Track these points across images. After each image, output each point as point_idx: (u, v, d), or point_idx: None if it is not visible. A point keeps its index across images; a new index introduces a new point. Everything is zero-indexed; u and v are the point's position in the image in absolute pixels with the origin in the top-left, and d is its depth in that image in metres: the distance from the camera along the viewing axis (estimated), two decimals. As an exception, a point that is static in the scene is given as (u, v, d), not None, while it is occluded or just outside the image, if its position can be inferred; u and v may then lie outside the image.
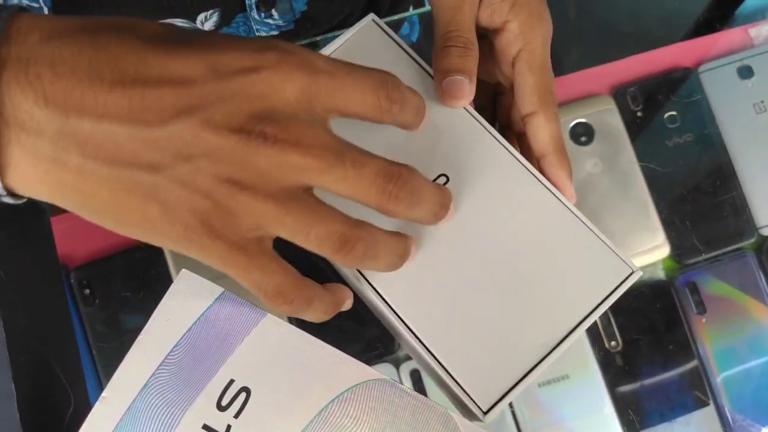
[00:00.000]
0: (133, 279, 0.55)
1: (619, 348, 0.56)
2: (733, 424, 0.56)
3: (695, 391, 0.56)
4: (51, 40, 0.29)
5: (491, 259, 0.39)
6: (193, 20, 0.56)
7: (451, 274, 0.39)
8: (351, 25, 0.43)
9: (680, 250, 0.58)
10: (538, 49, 0.43)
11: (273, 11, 0.58)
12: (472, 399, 0.38)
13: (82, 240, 0.55)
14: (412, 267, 0.39)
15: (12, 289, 0.43)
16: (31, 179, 0.30)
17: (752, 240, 0.58)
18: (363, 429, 0.34)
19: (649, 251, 0.57)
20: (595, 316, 0.39)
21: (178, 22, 0.55)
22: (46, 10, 0.50)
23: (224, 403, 0.34)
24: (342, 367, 0.35)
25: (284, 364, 0.35)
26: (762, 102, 0.60)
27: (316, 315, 0.35)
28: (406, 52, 0.43)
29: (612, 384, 0.56)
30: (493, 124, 0.42)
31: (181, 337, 0.35)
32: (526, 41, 0.43)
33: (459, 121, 0.42)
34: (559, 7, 0.61)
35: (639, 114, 0.60)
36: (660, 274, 0.58)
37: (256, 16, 0.58)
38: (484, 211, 0.40)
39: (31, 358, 0.42)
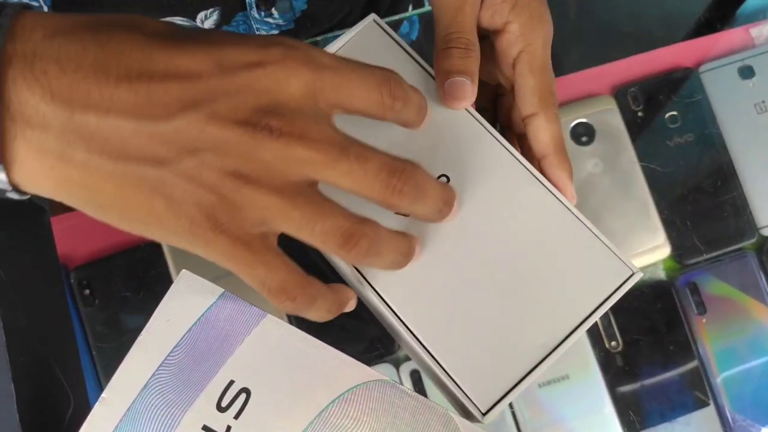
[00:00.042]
0: (133, 279, 0.55)
1: (620, 348, 0.56)
2: (734, 424, 0.56)
3: (695, 392, 0.56)
4: (55, 37, 0.29)
5: (491, 260, 0.39)
6: (193, 19, 0.56)
7: (451, 274, 0.39)
8: (350, 24, 0.43)
9: (681, 250, 0.58)
10: (538, 50, 0.43)
11: (273, 10, 0.58)
12: (471, 400, 0.38)
13: (82, 240, 0.55)
14: (412, 268, 0.39)
15: (12, 289, 0.43)
16: (37, 175, 0.30)
17: (753, 240, 0.58)
18: (363, 430, 0.34)
19: (650, 251, 0.57)
20: (595, 318, 0.39)
21: (178, 20, 0.55)
22: (45, 9, 0.50)
23: (224, 403, 0.34)
24: (342, 368, 0.35)
25: (284, 364, 0.35)
26: (763, 102, 0.60)
27: (319, 314, 0.35)
28: (407, 53, 0.43)
29: (612, 384, 0.56)
30: (494, 125, 0.42)
31: (182, 338, 0.35)
32: (526, 42, 0.43)
33: (460, 122, 0.42)
34: (559, 8, 0.60)
35: (640, 114, 0.60)
36: (660, 274, 0.58)
37: (256, 15, 0.58)
38: (485, 212, 0.40)
39: (31, 358, 0.42)
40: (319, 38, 0.60)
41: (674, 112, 0.60)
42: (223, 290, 0.36)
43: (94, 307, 0.54)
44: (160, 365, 0.34)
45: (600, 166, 0.58)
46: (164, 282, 0.54)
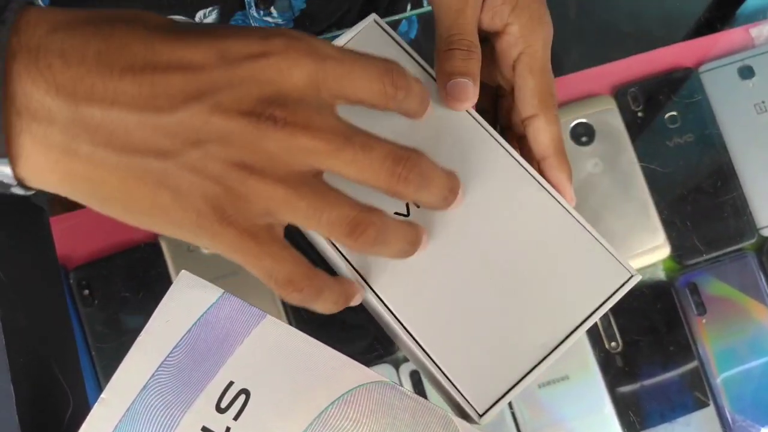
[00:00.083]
0: (133, 279, 0.54)
1: (620, 349, 0.56)
2: (733, 424, 0.56)
3: (695, 392, 0.56)
4: (58, 31, 0.29)
5: (490, 261, 0.39)
6: (192, 17, 0.56)
7: (449, 276, 0.39)
8: (349, 22, 0.43)
9: (681, 250, 0.58)
10: (538, 52, 0.43)
11: (272, 9, 0.58)
12: (467, 401, 0.38)
13: (81, 240, 0.55)
14: (410, 268, 0.39)
15: (11, 289, 0.42)
16: (42, 169, 0.30)
17: (753, 240, 0.58)
18: (363, 431, 0.34)
19: (650, 252, 0.57)
20: (593, 320, 0.39)
21: (177, 18, 0.55)
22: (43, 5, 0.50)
23: (224, 405, 0.34)
24: (342, 369, 0.35)
25: (284, 365, 0.35)
26: (763, 102, 0.60)
27: (326, 306, 0.35)
28: (408, 53, 0.43)
29: (612, 384, 0.56)
30: (494, 127, 0.42)
31: (181, 339, 0.35)
32: (526, 44, 0.43)
33: (461, 123, 0.42)
34: (559, 8, 0.60)
35: (640, 114, 0.60)
36: (660, 274, 0.58)
37: (255, 14, 0.58)
38: (484, 213, 0.40)
39: (31, 358, 0.42)
40: (318, 37, 0.60)
41: (674, 113, 0.60)
42: (222, 291, 0.36)
43: (93, 307, 0.54)
44: (160, 366, 0.34)
45: (600, 167, 0.58)
46: (164, 282, 0.54)
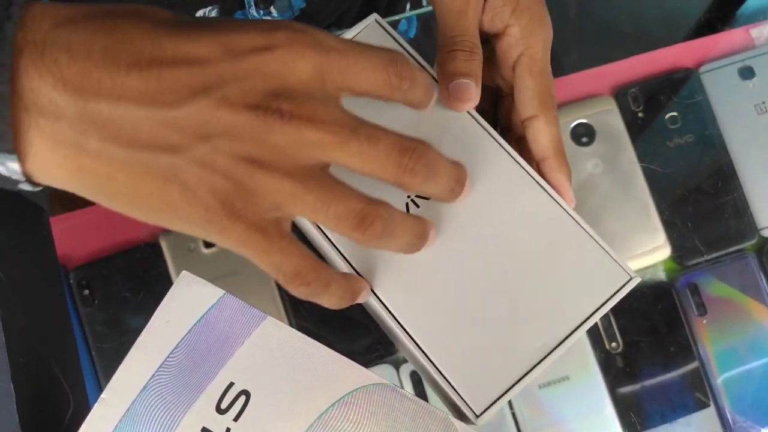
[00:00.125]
0: (133, 279, 0.54)
1: (620, 349, 0.56)
2: (734, 425, 0.56)
3: (696, 393, 0.56)
4: (64, 26, 0.29)
5: (489, 263, 0.39)
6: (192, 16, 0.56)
7: (448, 276, 0.39)
8: (349, 21, 0.43)
9: (681, 251, 0.58)
10: (538, 53, 0.43)
11: (272, 8, 0.58)
12: (465, 401, 0.38)
13: (81, 240, 0.55)
14: (409, 269, 0.39)
15: (11, 289, 0.42)
16: (50, 165, 0.30)
17: (753, 241, 0.58)
18: (363, 433, 0.34)
19: (650, 252, 0.57)
20: (592, 322, 0.39)
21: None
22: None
23: (224, 406, 0.34)
24: (343, 371, 0.35)
25: (284, 367, 0.35)
26: (763, 103, 0.60)
27: (333, 300, 0.35)
28: (408, 53, 0.43)
29: (612, 385, 0.56)
30: (494, 128, 0.42)
31: (181, 339, 0.35)
32: (526, 46, 0.43)
33: (462, 124, 0.42)
34: (560, 8, 0.60)
35: (640, 114, 0.60)
36: (661, 275, 0.58)
37: (255, 13, 0.58)
38: (484, 213, 0.40)
39: (31, 358, 0.42)
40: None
41: (674, 113, 0.60)
42: (223, 291, 0.36)
43: (93, 307, 0.54)
44: (160, 366, 0.34)
45: (600, 167, 0.58)
46: (164, 282, 0.54)
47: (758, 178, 0.59)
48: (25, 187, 0.31)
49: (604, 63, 0.61)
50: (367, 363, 0.54)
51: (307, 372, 0.35)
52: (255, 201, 0.31)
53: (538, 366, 0.38)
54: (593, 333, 0.56)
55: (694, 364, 0.56)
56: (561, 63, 0.61)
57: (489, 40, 0.44)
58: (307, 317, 0.55)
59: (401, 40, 0.43)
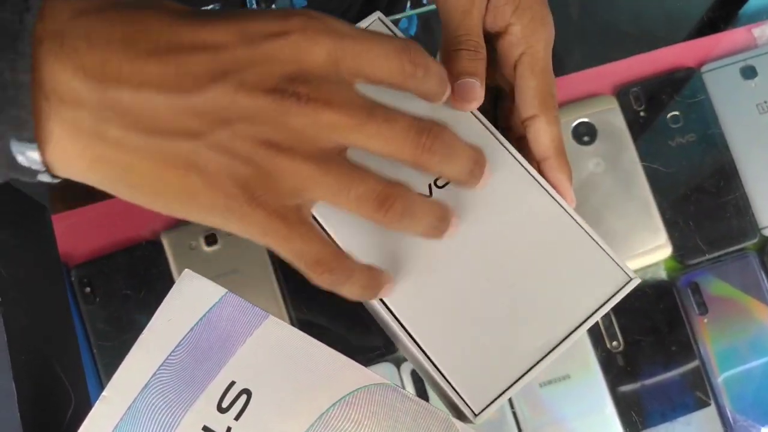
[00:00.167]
0: (134, 277, 0.54)
1: (621, 348, 0.56)
2: (734, 424, 0.56)
3: (696, 392, 0.56)
4: (82, 17, 0.30)
5: (490, 262, 0.39)
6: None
7: (448, 275, 0.39)
8: (349, 20, 0.43)
9: (682, 250, 0.58)
10: (540, 52, 0.43)
11: (273, 7, 0.58)
12: (464, 400, 0.38)
13: (83, 238, 0.55)
14: (409, 268, 0.39)
15: (13, 287, 0.43)
16: (70, 155, 0.30)
17: (755, 240, 0.58)
18: (364, 433, 0.34)
19: (652, 251, 0.57)
20: (591, 323, 0.39)
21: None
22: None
23: (225, 404, 0.34)
24: (344, 371, 0.35)
25: (286, 366, 0.35)
26: (765, 102, 0.60)
27: (355, 289, 0.35)
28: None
29: (613, 384, 0.56)
30: (495, 127, 0.42)
31: (183, 338, 0.35)
32: (528, 45, 0.43)
33: (465, 123, 0.42)
34: (561, 8, 0.60)
35: (642, 114, 0.60)
36: (662, 274, 0.58)
37: (258, 13, 0.58)
38: (485, 213, 0.40)
39: (32, 356, 0.42)
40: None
41: (676, 112, 0.60)
42: (225, 290, 0.36)
43: (94, 305, 0.54)
44: (162, 365, 0.34)
45: (602, 166, 0.58)
46: (165, 280, 0.54)
47: (760, 177, 0.59)
48: (44, 178, 0.31)
49: (606, 62, 0.61)
50: (368, 361, 0.54)
51: (309, 371, 0.35)
52: (275, 186, 0.31)
53: (537, 366, 0.38)
54: (594, 332, 0.56)
55: (695, 363, 0.56)
56: (563, 62, 0.61)
57: (490, 40, 0.44)
58: (308, 315, 0.55)
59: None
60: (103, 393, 0.34)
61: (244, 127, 0.30)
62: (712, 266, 0.58)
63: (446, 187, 0.40)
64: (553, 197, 0.41)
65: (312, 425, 0.34)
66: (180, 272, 0.36)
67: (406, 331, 0.38)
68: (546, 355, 0.38)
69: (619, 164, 0.58)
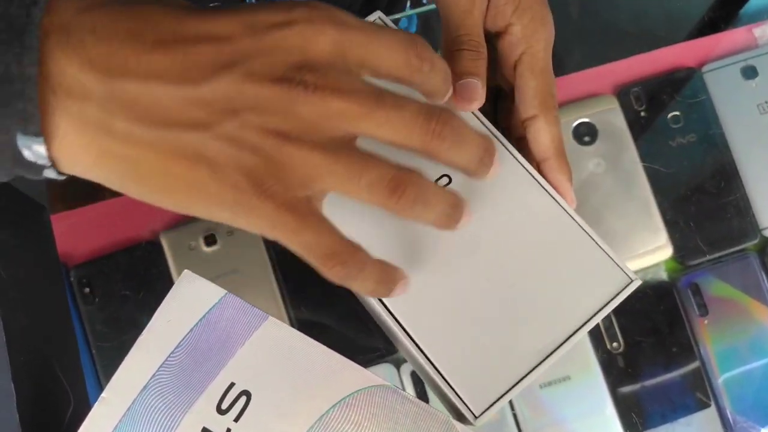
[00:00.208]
0: (134, 278, 0.54)
1: (621, 349, 0.56)
2: (735, 425, 0.56)
3: (697, 393, 0.56)
4: (88, 11, 0.30)
5: (490, 263, 0.39)
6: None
7: (448, 276, 0.39)
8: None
9: (683, 251, 0.58)
10: (540, 52, 0.43)
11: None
12: (464, 402, 0.37)
13: (82, 238, 0.55)
14: (410, 270, 0.39)
15: (12, 287, 0.43)
16: (77, 149, 0.30)
17: (755, 241, 0.58)
18: (363, 434, 0.34)
19: (652, 252, 0.57)
20: (592, 325, 0.39)
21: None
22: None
23: (224, 406, 0.34)
24: (344, 372, 0.35)
25: (285, 367, 0.35)
26: (766, 102, 0.60)
27: (369, 284, 0.34)
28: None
29: (614, 385, 0.56)
30: (495, 128, 0.42)
31: (183, 339, 0.35)
32: (528, 45, 0.43)
33: None
34: (562, 7, 0.60)
35: (642, 114, 0.60)
36: (662, 275, 0.58)
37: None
38: (486, 214, 0.40)
39: (31, 357, 0.42)
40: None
41: (677, 112, 0.60)
42: (225, 291, 0.35)
43: (94, 305, 0.54)
44: (161, 366, 0.34)
45: (602, 166, 0.58)
46: (165, 281, 0.54)
47: (761, 177, 0.59)
48: (50, 174, 0.31)
49: (607, 62, 0.61)
50: (367, 362, 0.54)
51: (308, 373, 0.35)
52: (285, 176, 0.31)
53: (538, 368, 0.38)
54: (595, 333, 0.56)
55: (695, 364, 0.56)
56: (563, 62, 0.61)
57: (490, 40, 0.44)
58: (308, 315, 0.55)
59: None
60: (103, 394, 0.34)
61: (252, 116, 0.30)
62: (713, 267, 0.58)
63: (448, 187, 0.40)
64: (553, 198, 0.41)
65: (312, 427, 0.34)
66: (179, 272, 0.36)
67: (406, 332, 0.38)
68: (547, 358, 0.38)
69: (619, 164, 0.58)
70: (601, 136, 0.58)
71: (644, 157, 0.58)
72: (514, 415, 0.54)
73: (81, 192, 0.58)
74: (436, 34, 0.64)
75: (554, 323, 0.39)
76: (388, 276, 0.35)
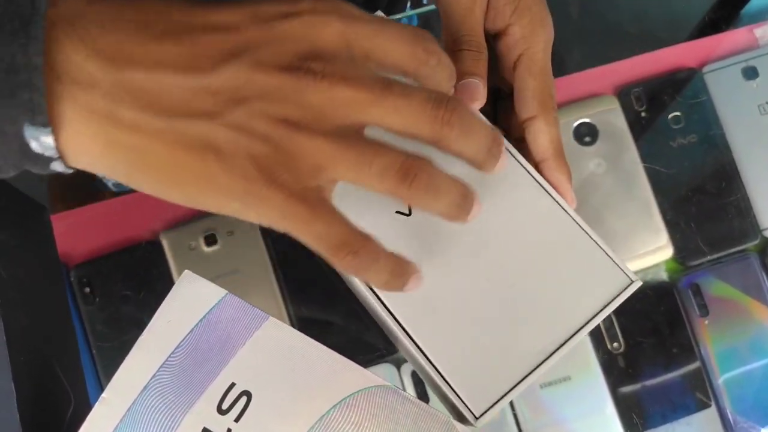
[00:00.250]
0: (134, 277, 0.54)
1: (622, 349, 0.56)
2: (735, 425, 0.55)
3: (697, 393, 0.56)
4: (94, 3, 0.30)
5: (490, 264, 0.39)
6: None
7: (449, 277, 0.39)
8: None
9: (683, 251, 0.58)
10: (539, 53, 0.43)
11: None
12: (464, 403, 0.37)
13: (82, 238, 0.55)
14: None
15: (12, 287, 0.42)
16: (84, 139, 0.30)
17: (756, 242, 0.58)
18: (364, 435, 0.34)
19: (652, 252, 0.57)
20: (592, 326, 0.39)
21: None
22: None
23: (225, 406, 0.34)
24: (344, 373, 0.35)
25: (286, 368, 0.35)
26: (767, 103, 0.60)
27: (382, 275, 0.34)
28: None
29: (614, 385, 0.56)
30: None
31: (183, 339, 0.35)
32: (527, 46, 0.43)
33: None
34: (562, 7, 0.60)
35: (643, 114, 0.60)
36: (663, 275, 0.58)
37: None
38: (486, 215, 0.40)
39: (32, 357, 0.42)
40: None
41: (677, 113, 0.60)
42: (225, 291, 0.35)
43: (94, 305, 0.54)
44: (161, 366, 0.34)
45: (603, 167, 0.58)
46: (165, 281, 0.54)
47: (761, 178, 0.59)
48: (57, 167, 0.31)
49: (607, 62, 0.61)
50: (368, 362, 0.54)
51: (309, 373, 0.35)
52: (295, 165, 0.31)
53: (538, 369, 0.38)
54: (595, 333, 0.56)
55: (696, 365, 0.56)
56: (564, 62, 0.61)
57: (489, 40, 0.44)
58: (308, 315, 0.55)
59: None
60: (103, 394, 0.34)
61: (261, 105, 0.30)
62: (713, 267, 0.58)
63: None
64: (554, 198, 0.41)
65: (312, 427, 0.34)
66: (180, 272, 0.36)
67: (406, 332, 0.38)
68: (547, 358, 0.38)
69: (620, 165, 0.58)
70: (602, 136, 0.58)
71: (645, 157, 0.58)
72: (515, 415, 0.54)
73: (81, 192, 0.58)
74: (437, 34, 0.64)
75: (555, 324, 0.39)
76: (402, 269, 0.35)
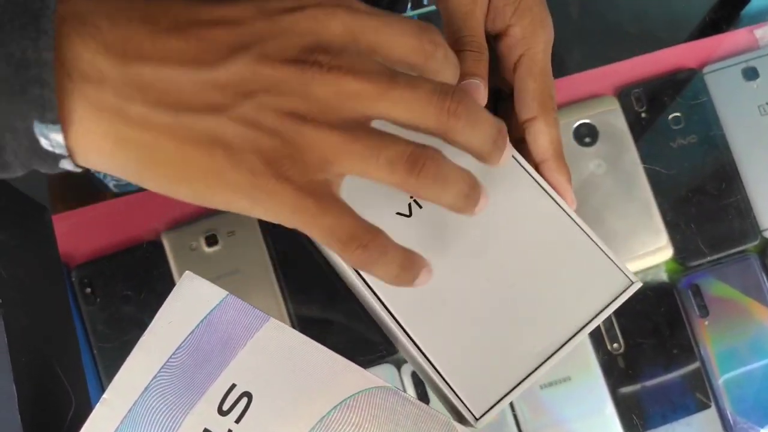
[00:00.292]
0: (135, 278, 0.54)
1: (622, 350, 0.56)
2: (735, 426, 0.56)
3: (697, 394, 0.56)
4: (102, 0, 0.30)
5: (490, 264, 0.39)
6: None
7: (449, 278, 0.39)
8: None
9: (683, 252, 0.58)
10: (539, 54, 0.43)
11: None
12: (465, 404, 0.38)
13: (83, 238, 0.55)
14: None
15: (13, 287, 0.43)
16: (94, 135, 0.30)
17: (756, 242, 0.58)
18: (364, 436, 0.34)
19: (652, 253, 0.57)
20: (592, 327, 0.39)
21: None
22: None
23: (225, 407, 0.34)
24: (345, 374, 0.35)
25: (286, 369, 0.35)
26: (767, 103, 0.60)
27: (391, 269, 0.34)
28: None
29: (614, 386, 0.56)
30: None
31: (184, 340, 0.35)
32: (527, 46, 0.43)
33: None
34: (562, 8, 0.60)
35: (643, 115, 0.60)
36: (663, 276, 0.58)
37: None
38: (487, 215, 0.40)
39: (33, 357, 0.42)
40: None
41: (678, 114, 0.60)
42: (226, 292, 0.35)
43: (95, 306, 0.54)
44: (162, 367, 0.34)
45: (603, 167, 0.58)
46: (166, 281, 0.54)
47: (761, 179, 0.59)
48: (66, 165, 0.31)
49: (608, 63, 0.61)
50: (368, 362, 0.54)
51: (309, 374, 0.35)
52: (302, 158, 0.31)
53: (539, 370, 0.38)
54: (595, 334, 0.56)
55: (696, 365, 0.56)
56: (564, 63, 0.61)
57: (489, 41, 0.44)
58: (309, 316, 0.55)
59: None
60: (104, 395, 0.34)
61: (268, 98, 0.30)
62: (713, 268, 0.58)
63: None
64: (554, 199, 0.41)
65: (313, 428, 0.34)
66: (181, 273, 0.36)
67: (406, 333, 0.38)
68: (547, 359, 0.38)
69: (620, 165, 0.58)
70: (602, 137, 0.58)
71: (645, 158, 0.58)
72: (515, 416, 0.55)
73: (82, 192, 0.58)
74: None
75: (555, 325, 0.39)
76: (412, 262, 0.34)
